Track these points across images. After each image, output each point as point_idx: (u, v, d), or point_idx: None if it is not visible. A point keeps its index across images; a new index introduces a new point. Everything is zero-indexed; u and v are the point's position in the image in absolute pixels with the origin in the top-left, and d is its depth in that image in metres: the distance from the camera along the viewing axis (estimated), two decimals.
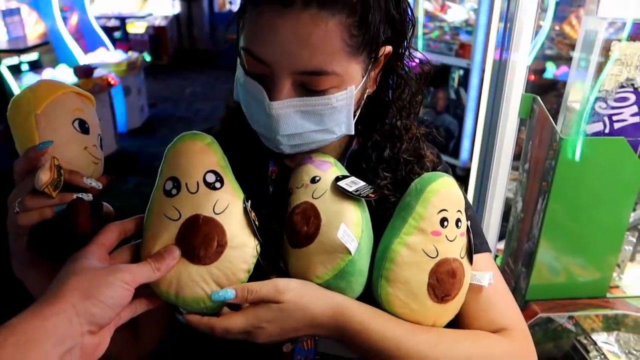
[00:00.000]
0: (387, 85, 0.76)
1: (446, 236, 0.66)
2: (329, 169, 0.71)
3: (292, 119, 0.66)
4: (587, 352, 1.12)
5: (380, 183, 0.75)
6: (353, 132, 0.72)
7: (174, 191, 0.63)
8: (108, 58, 5.24)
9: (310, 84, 0.64)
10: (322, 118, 0.67)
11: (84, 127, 0.69)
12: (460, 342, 0.68)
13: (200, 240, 0.61)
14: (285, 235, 0.69)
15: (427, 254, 0.66)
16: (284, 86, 0.64)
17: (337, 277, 0.65)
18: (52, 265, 0.65)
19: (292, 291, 0.63)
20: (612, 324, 1.16)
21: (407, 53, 0.75)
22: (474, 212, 0.82)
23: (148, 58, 6.10)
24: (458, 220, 0.67)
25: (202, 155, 0.65)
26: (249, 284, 0.63)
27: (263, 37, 0.62)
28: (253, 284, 0.63)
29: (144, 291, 0.62)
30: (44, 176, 0.59)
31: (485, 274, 0.70)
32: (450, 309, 0.69)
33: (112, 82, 4.68)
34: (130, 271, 0.57)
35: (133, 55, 5.53)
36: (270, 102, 0.64)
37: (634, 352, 1.10)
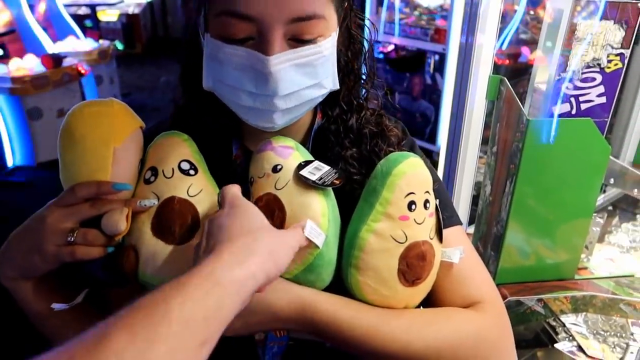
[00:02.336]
0: (346, 51, 0.73)
1: (414, 220, 0.65)
2: (290, 155, 0.68)
3: (289, 75, 0.63)
4: (556, 333, 1.12)
5: (346, 154, 0.73)
6: (338, 86, 0.71)
7: (152, 178, 0.68)
8: (78, 47, 5.10)
9: (301, 33, 0.62)
10: (316, 69, 0.66)
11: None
12: (432, 323, 0.67)
13: (175, 218, 0.64)
14: None
15: (395, 240, 0.64)
16: (276, 39, 0.61)
17: (305, 271, 0.64)
18: (46, 282, 0.68)
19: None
20: (581, 305, 1.17)
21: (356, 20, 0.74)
22: (442, 185, 0.80)
23: (120, 46, 5.97)
24: (426, 202, 0.66)
25: (178, 147, 0.70)
26: None
27: None
28: None
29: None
30: (122, 226, 0.62)
31: (455, 250, 0.69)
32: (421, 290, 0.68)
33: (83, 71, 4.57)
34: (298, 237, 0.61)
35: (104, 43, 5.40)
36: (267, 58, 0.61)
37: (602, 333, 1.11)
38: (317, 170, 0.67)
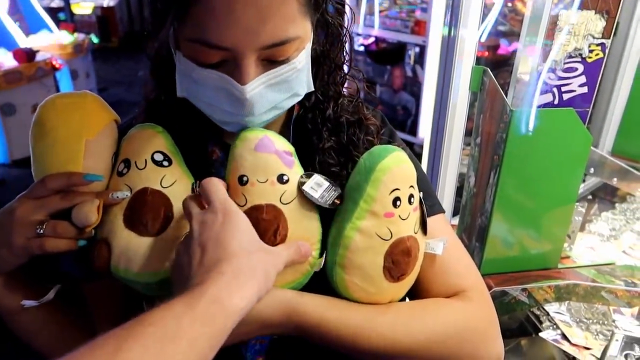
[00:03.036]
0: (319, 40, 0.72)
1: (399, 216, 0.64)
2: (293, 165, 0.66)
3: (264, 97, 0.63)
4: (540, 322, 1.13)
5: (324, 144, 0.72)
6: (313, 88, 0.70)
7: (125, 170, 0.66)
8: (52, 40, 4.98)
9: (275, 56, 0.61)
10: (290, 84, 0.65)
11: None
12: (418, 316, 0.67)
13: (147, 210, 0.63)
14: None
15: (381, 237, 0.63)
16: (250, 66, 0.60)
17: (292, 287, 0.64)
18: (16, 277, 0.67)
19: None
20: (564, 294, 1.18)
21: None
22: (423, 173, 0.79)
23: (96, 40, 5.84)
24: (411, 196, 0.64)
25: (152, 138, 0.69)
26: None
27: (220, 22, 0.57)
28: None
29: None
30: (93, 217, 0.61)
31: (438, 242, 0.68)
32: (406, 284, 0.68)
33: (57, 65, 4.47)
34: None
35: (79, 37, 5.29)
36: (242, 87, 0.60)
37: (585, 320, 1.12)
38: (319, 186, 0.66)
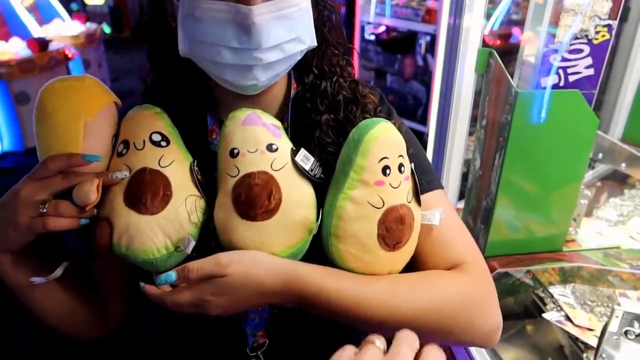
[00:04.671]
0: (315, 18, 0.72)
1: (390, 184, 0.65)
2: (282, 137, 0.69)
3: (271, 27, 0.63)
4: (544, 304, 1.14)
5: (321, 120, 0.74)
6: (316, 43, 0.71)
7: (124, 151, 0.68)
8: (64, 30, 5.02)
9: None
10: (295, 22, 0.66)
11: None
12: (417, 285, 0.67)
13: (146, 189, 0.64)
14: (232, 202, 0.65)
15: (373, 206, 0.64)
16: None
17: (292, 255, 0.66)
18: (25, 255, 0.69)
19: (237, 263, 0.62)
20: (569, 277, 1.18)
21: None
22: (421, 150, 0.80)
23: (108, 30, 5.88)
24: (401, 165, 0.66)
25: (150, 119, 0.70)
26: (188, 263, 0.62)
27: None
28: (193, 262, 0.62)
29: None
30: (93, 196, 0.63)
31: (435, 212, 0.69)
32: (404, 254, 0.68)
33: (70, 55, 4.51)
34: None
35: (92, 27, 5.33)
36: (251, 8, 0.60)
37: (589, 303, 1.13)
38: (307, 159, 0.68)
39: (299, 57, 0.71)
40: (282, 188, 0.65)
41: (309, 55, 0.75)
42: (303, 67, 0.76)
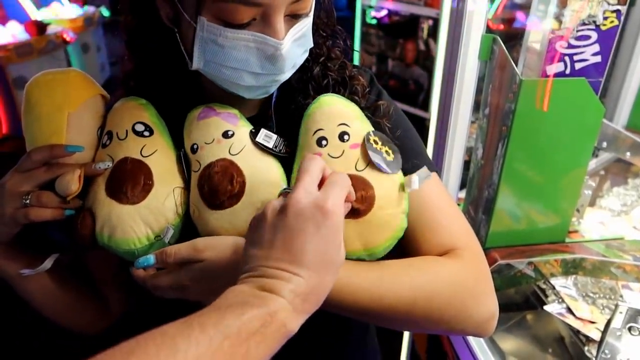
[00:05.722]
0: None
1: (329, 154, 0.64)
2: (238, 122, 0.69)
3: (291, 52, 0.64)
4: (546, 296, 1.13)
5: (308, 102, 0.73)
6: (312, 44, 0.70)
7: (107, 142, 0.68)
8: (62, 13, 4.97)
9: (298, 9, 0.62)
10: (307, 38, 0.67)
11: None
12: (405, 272, 0.65)
13: (127, 178, 0.64)
14: (199, 196, 0.65)
15: None
16: (281, 21, 0.61)
17: None
18: (15, 247, 0.70)
19: (212, 249, 0.61)
20: (571, 268, 1.16)
21: None
22: (410, 131, 0.78)
23: (106, 13, 5.82)
24: (343, 134, 0.65)
25: (134, 110, 0.71)
26: (167, 247, 0.63)
27: None
28: (171, 246, 0.62)
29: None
30: (74, 186, 0.63)
31: (412, 177, 0.64)
32: (370, 225, 0.63)
33: (68, 38, 4.46)
34: None
35: (90, 10, 5.27)
36: (279, 42, 0.61)
37: (591, 295, 1.11)
38: (269, 138, 0.68)
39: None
40: (243, 170, 0.64)
41: None
42: None
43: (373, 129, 0.68)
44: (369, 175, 0.63)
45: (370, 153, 0.64)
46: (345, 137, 0.65)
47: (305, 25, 0.65)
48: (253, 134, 0.68)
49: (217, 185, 0.63)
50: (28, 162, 0.65)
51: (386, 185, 0.64)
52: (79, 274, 0.82)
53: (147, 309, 0.83)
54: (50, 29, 4.32)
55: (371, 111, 0.74)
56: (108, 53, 5.69)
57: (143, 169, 0.65)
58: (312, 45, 0.70)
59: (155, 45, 0.72)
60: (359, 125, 0.67)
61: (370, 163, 0.64)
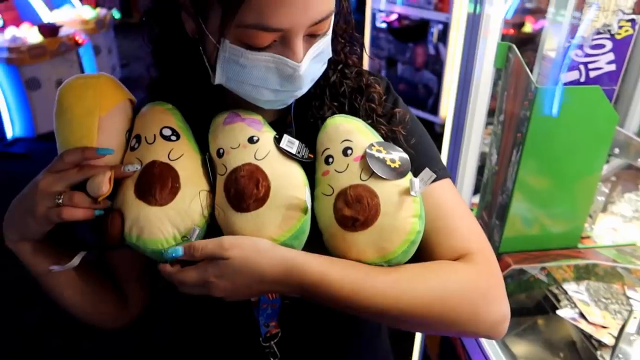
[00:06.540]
0: None
1: (335, 170, 0.68)
2: (262, 128, 0.72)
3: (310, 70, 0.67)
4: (558, 301, 1.14)
5: (326, 111, 0.75)
6: (331, 54, 0.72)
7: (136, 145, 0.71)
8: (75, 15, 5.01)
9: (317, 30, 0.64)
10: (325, 54, 0.69)
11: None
12: (420, 276, 0.67)
13: (155, 181, 0.67)
14: (225, 198, 0.67)
15: (325, 195, 0.68)
16: (300, 44, 0.63)
17: (292, 238, 0.66)
18: (45, 244, 0.72)
19: (238, 248, 0.63)
20: (583, 274, 1.18)
21: None
22: (424, 138, 0.79)
23: (117, 15, 5.87)
24: (346, 149, 0.68)
25: (161, 114, 0.73)
26: (195, 242, 0.65)
27: (277, 6, 0.59)
28: (199, 241, 0.64)
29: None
30: (105, 187, 0.65)
31: (414, 180, 0.66)
32: (381, 232, 0.65)
33: (80, 40, 4.51)
34: None
35: (101, 12, 5.31)
36: (298, 64, 0.63)
37: (603, 300, 1.12)
38: (292, 143, 0.71)
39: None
40: (268, 175, 0.66)
41: None
42: None
43: (378, 140, 0.71)
44: (373, 184, 0.66)
45: (371, 163, 0.66)
46: (349, 151, 0.68)
47: (325, 43, 0.67)
48: (277, 140, 0.70)
49: (244, 189, 0.65)
50: (61, 163, 0.67)
51: (392, 191, 0.66)
52: (102, 272, 0.84)
53: (167, 308, 0.86)
54: (63, 31, 4.37)
55: (387, 119, 0.76)
56: (119, 55, 5.74)
57: (171, 172, 0.68)
58: (330, 56, 0.71)
59: (179, 56, 0.74)
60: (362, 138, 0.70)
61: (373, 172, 0.66)
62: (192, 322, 0.88)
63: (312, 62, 0.66)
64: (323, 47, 0.67)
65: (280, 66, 0.64)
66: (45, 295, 0.78)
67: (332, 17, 0.67)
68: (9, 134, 4.25)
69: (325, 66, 0.72)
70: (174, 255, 0.65)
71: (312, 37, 0.65)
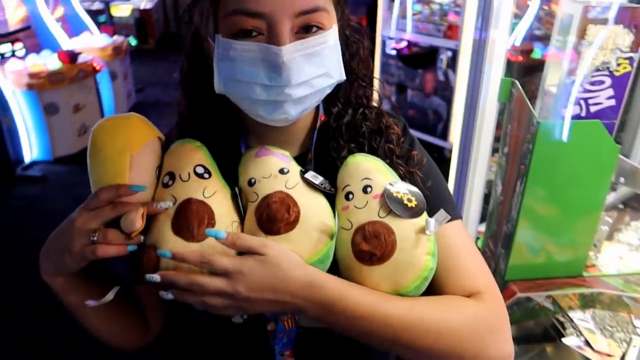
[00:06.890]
0: (343, 52, 0.76)
1: (354, 206, 0.72)
2: (291, 162, 0.77)
3: (300, 65, 0.67)
4: (564, 329, 1.15)
5: (344, 152, 0.79)
6: (344, 77, 0.75)
7: (170, 182, 0.74)
8: (93, 42, 5.16)
9: (308, 21, 0.67)
10: (323, 59, 0.70)
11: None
12: (434, 306, 0.70)
13: (193, 217, 0.69)
14: (256, 223, 0.71)
15: (344, 229, 0.72)
16: (286, 31, 0.66)
17: (318, 261, 0.70)
18: (79, 278, 0.76)
19: (276, 249, 0.67)
20: (589, 302, 1.19)
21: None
22: (439, 179, 0.84)
23: (134, 42, 6.02)
24: (366, 187, 0.72)
25: (193, 152, 0.77)
26: (240, 233, 0.70)
27: None
28: (243, 234, 0.69)
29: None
30: (138, 223, 0.68)
31: (429, 220, 0.70)
32: (397, 267, 0.69)
33: (98, 67, 4.63)
34: None
35: (118, 39, 5.46)
36: (280, 48, 0.65)
37: (609, 328, 1.14)
38: (316, 177, 0.75)
39: (328, 91, 0.75)
40: (298, 201, 0.70)
41: (336, 87, 0.78)
42: (330, 98, 0.80)
43: (396, 179, 0.75)
44: (390, 221, 0.70)
45: (389, 201, 0.70)
46: (368, 189, 0.72)
47: (319, 43, 0.68)
48: (302, 173, 0.75)
49: (275, 213, 0.69)
50: (96, 200, 0.70)
51: (408, 229, 0.70)
52: (127, 299, 0.88)
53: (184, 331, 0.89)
54: (81, 58, 4.49)
55: (404, 160, 0.80)
56: (134, 80, 5.87)
57: (206, 209, 0.71)
58: (338, 73, 0.73)
59: (203, 85, 0.78)
60: (381, 177, 0.74)
61: (391, 210, 0.70)
62: (207, 349, 0.90)
63: (302, 58, 0.67)
64: (318, 49, 0.68)
65: (266, 55, 0.66)
66: (66, 314, 0.81)
67: (330, 24, 0.70)
68: (27, 157, 4.35)
69: (330, 80, 0.73)
70: (216, 235, 0.67)
71: (304, 32, 0.68)
